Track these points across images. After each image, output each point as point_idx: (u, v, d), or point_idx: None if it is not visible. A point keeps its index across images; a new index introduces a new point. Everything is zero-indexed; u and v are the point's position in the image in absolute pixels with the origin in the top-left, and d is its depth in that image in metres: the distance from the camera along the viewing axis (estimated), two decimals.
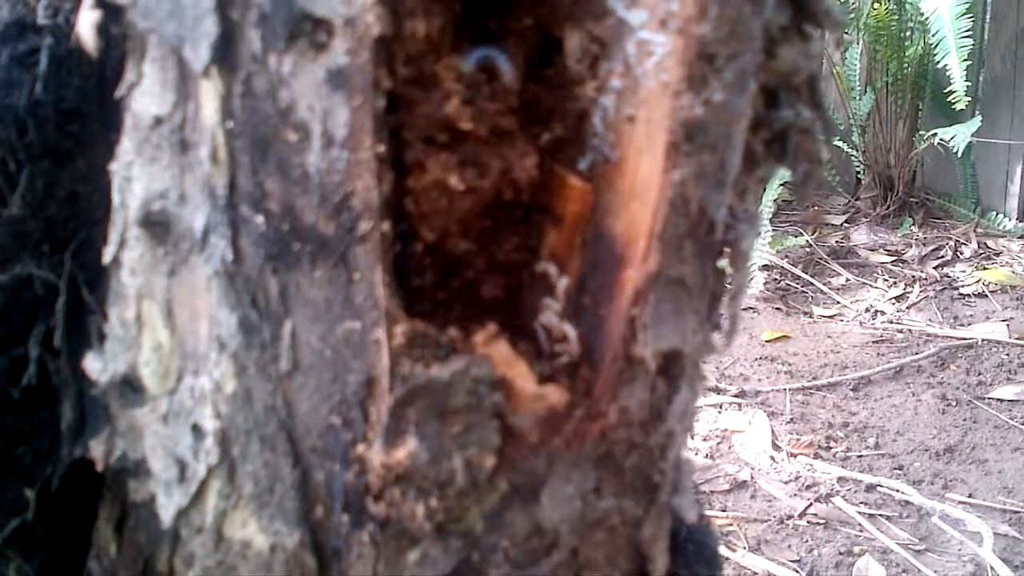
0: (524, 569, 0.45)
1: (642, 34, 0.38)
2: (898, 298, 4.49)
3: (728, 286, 0.44)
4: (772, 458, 3.44)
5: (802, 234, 4.93)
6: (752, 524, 3.11)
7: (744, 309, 4.34)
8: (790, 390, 3.79)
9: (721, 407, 3.65)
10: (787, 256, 4.74)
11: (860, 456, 3.43)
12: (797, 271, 4.64)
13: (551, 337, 0.42)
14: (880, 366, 3.99)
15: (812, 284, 4.61)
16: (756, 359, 4.10)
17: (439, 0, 0.37)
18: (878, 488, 3.27)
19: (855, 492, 3.25)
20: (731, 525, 3.10)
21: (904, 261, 4.81)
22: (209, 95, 0.39)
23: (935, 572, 2.89)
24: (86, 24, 0.42)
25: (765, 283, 4.44)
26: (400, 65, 0.37)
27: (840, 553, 2.99)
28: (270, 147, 0.38)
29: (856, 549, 3.04)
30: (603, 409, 0.42)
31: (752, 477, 3.36)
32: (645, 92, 0.38)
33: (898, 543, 3.03)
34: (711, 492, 3.24)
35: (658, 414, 0.43)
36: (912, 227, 5.00)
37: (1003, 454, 3.44)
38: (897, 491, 3.24)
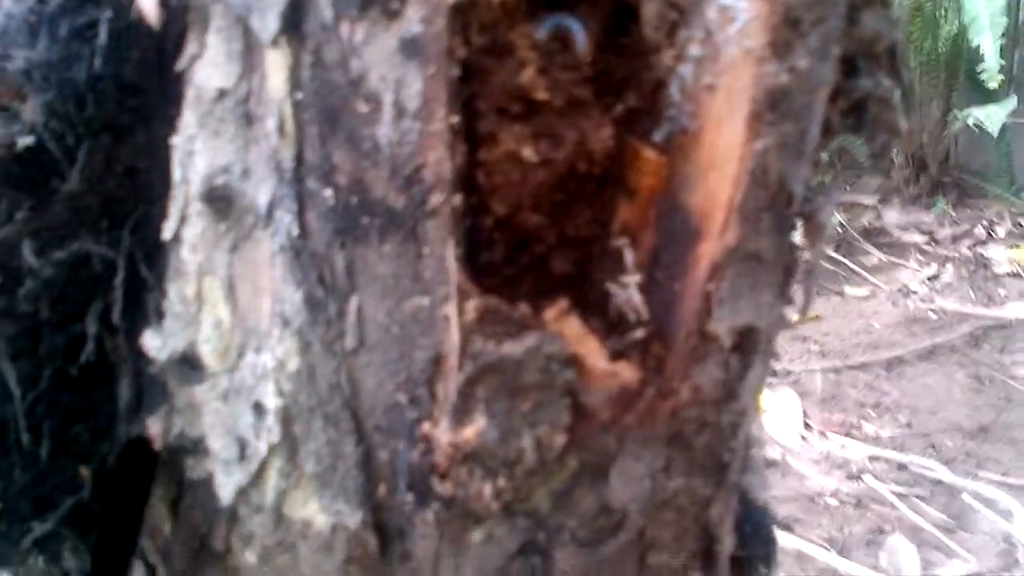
0: (589, 548, 0.44)
1: (723, 0, 0.37)
2: (931, 278, 4.46)
3: (804, 260, 0.43)
4: (803, 437, 3.42)
5: (835, 214, 4.90)
6: (783, 503, 3.10)
7: None
8: (822, 370, 3.78)
9: None
10: None
11: (892, 435, 3.41)
12: (829, 251, 4.61)
13: (623, 313, 0.41)
14: (912, 345, 3.96)
15: (844, 264, 4.59)
16: (788, 339, 4.07)
17: None
18: (909, 467, 3.25)
19: (886, 471, 3.23)
20: None
21: (937, 241, 4.77)
22: (277, 66, 0.38)
23: (966, 550, 2.88)
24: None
25: None
26: (474, 33, 0.36)
27: (871, 531, 2.97)
28: (339, 118, 0.37)
29: (887, 527, 3.02)
30: (675, 387, 0.41)
31: (783, 456, 3.35)
32: (727, 60, 0.37)
33: (929, 522, 3.01)
34: None
35: (731, 392, 0.42)
36: (945, 207, 4.96)
37: None
38: (929, 470, 3.22)
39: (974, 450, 3.32)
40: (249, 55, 0.40)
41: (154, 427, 0.47)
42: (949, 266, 4.55)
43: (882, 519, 3.02)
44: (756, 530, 0.62)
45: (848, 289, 4.42)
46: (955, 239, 4.77)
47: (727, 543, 0.48)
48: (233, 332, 0.44)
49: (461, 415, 0.40)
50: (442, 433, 0.40)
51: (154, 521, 0.51)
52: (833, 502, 3.10)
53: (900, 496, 3.10)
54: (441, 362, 0.40)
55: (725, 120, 0.38)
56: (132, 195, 0.46)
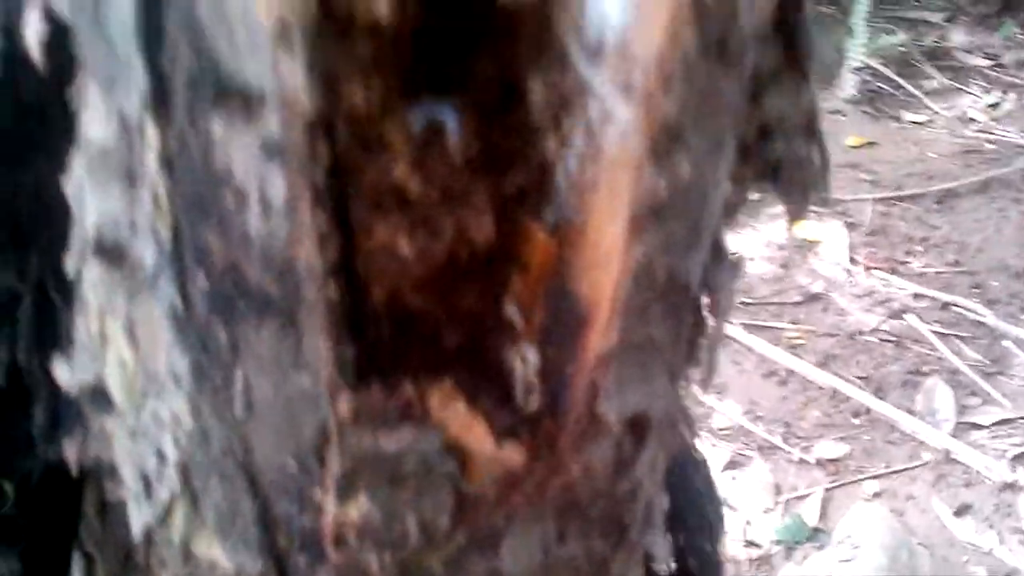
0: None
1: (605, 98, 0.34)
2: (992, 106, 4.34)
3: (709, 332, 0.41)
4: (848, 271, 3.40)
5: (896, 32, 4.74)
6: (822, 339, 3.11)
7: (831, 113, 4.23)
8: (872, 200, 3.72)
9: None
10: (881, 56, 4.57)
11: (938, 272, 3.39)
12: (889, 72, 4.49)
13: (515, 386, 0.40)
14: (967, 178, 3.89)
15: (903, 87, 4.47)
16: (839, 166, 4.00)
17: (382, 63, 0.34)
18: (953, 307, 3.23)
19: (929, 310, 3.22)
20: (801, 338, 3.10)
21: (1002, 66, 4.62)
22: (150, 139, 0.37)
23: (1003, 395, 2.88)
24: (32, 33, 0.40)
25: (854, 85, 4.32)
26: (341, 130, 0.34)
27: (908, 372, 2.98)
28: (209, 206, 0.36)
29: (925, 368, 3.03)
30: (566, 463, 0.40)
31: (826, 290, 3.34)
32: (607, 159, 0.35)
33: (968, 364, 3.01)
34: (782, 304, 3.22)
35: (624, 469, 0.41)
36: (1013, 29, 4.78)
37: None
38: (972, 311, 3.20)
39: (1019, 291, 3.29)
40: (123, 116, 0.38)
41: (70, 450, 0.47)
42: (1012, 94, 4.42)
43: (921, 360, 3.02)
44: (701, 505, 0.62)
45: (905, 114, 4.32)
46: (1020, 64, 4.61)
47: None
48: (136, 374, 0.44)
49: (345, 495, 0.39)
50: (330, 504, 0.40)
51: (88, 521, 0.52)
52: (873, 340, 3.10)
53: (941, 336, 3.09)
54: (328, 435, 0.39)
55: (607, 220, 0.36)
56: (39, 220, 0.45)
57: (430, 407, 0.38)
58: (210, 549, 0.45)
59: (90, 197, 0.41)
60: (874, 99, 4.29)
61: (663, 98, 0.33)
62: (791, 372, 2.88)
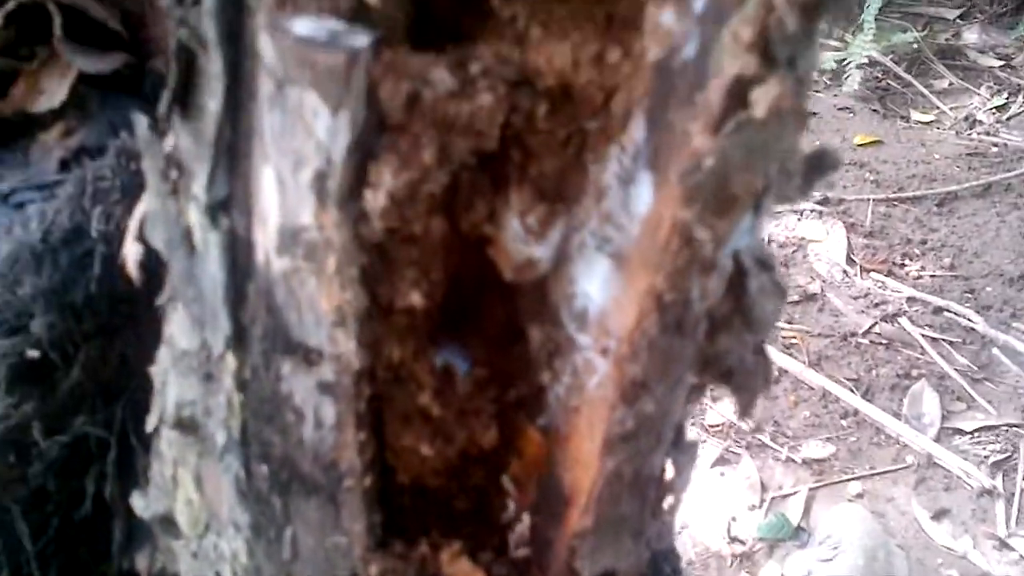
0: None
1: (587, 354, 0.44)
2: (999, 108, 4.38)
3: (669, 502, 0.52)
4: (845, 272, 3.49)
5: (911, 30, 4.78)
6: (815, 339, 3.20)
7: (839, 109, 4.30)
8: (874, 200, 3.79)
9: (802, 214, 3.68)
10: (892, 52, 4.62)
11: (933, 276, 3.46)
12: (899, 70, 4.54)
13: (510, 543, 0.50)
14: (969, 182, 3.95)
15: (913, 85, 4.52)
16: (845, 164, 4.06)
17: (412, 329, 0.44)
18: (945, 312, 3.30)
19: (922, 314, 3.30)
20: (795, 338, 3.19)
21: (1012, 67, 4.66)
22: (227, 364, 0.47)
23: (988, 401, 2.97)
24: (131, 255, 0.50)
25: (865, 81, 4.37)
26: (381, 370, 0.45)
27: (898, 375, 3.06)
28: (273, 418, 0.46)
29: (914, 372, 3.11)
30: None
31: (822, 290, 3.42)
32: (588, 395, 0.45)
33: (956, 369, 3.10)
34: None
35: None
36: None
37: None
38: (964, 317, 3.28)
39: (1012, 298, 3.36)
40: (207, 342, 0.48)
41: (141, 562, 0.58)
42: (1020, 96, 4.46)
43: (911, 363, 3.11)
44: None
45: (914, 113, 4.37)
46: None
47: None
48: (201, 511, 0.54)
49: None
50: None
51: None
52: (865, 342, 3.18)
53: (932, 341, 3.18)
54: None
55: (586, 437, 0.46)
56: (124, 378, 0.55)
57: (441, 562, 0.49)
58: None
59: (172, 382, 0.51)
60: (884, 96, 4.35)
61: (631, 363, 0.43)
62: (784, 371, 2.98)
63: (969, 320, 3.25)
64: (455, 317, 0.46)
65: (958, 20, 4.97)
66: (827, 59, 4.48)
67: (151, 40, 0.59)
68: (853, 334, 3.22)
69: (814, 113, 4.28)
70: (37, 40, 0.60)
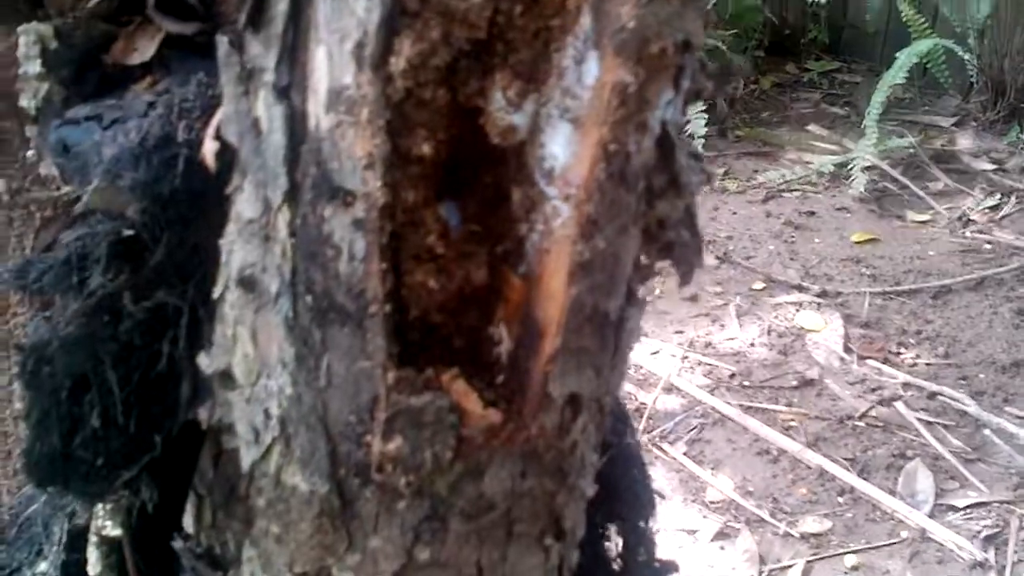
0: (473, 519, 0.68)
1: (555, 203, 0.60)
2: (992, 208, 4.55)
3: (621, 347, 0.66)
4: (842, 359, 3.62)
5: (907, 135, 4.97)
6: (813, 421, 3.32)
7: (838, 209, 4.48)
8: (870, 293, 3.94)
9: (800, 305, 3.82)
10: (889, 157, 4.80)
11: (928, 364, 3.58)
12: (896, 173, 4.73)
13: (497, 374, 0.65)
14: (963, 276, 4.09)
15: (909, 188, 4.69)
16: (842, 260, 4.22)
17: (424, 178, 0.59)
18: (940, 396, 3.43)
19: (917, 398, 3.42)
20: (793, 420, 3.31)
21: (1005, 171, 4.83)
22: (282, 217, 0.62)
23: (980, 481, 3.08)
24: (209, 149, 0.65)
25: (864, 184, 4.56)
26: (399, 214, 0.60)
27: (893, 455, 3.18)
28: (316, 255, 0.61)
29: (909, 453, 3.22)
30: (528, 424, 0.65)
31: (820, 376, 3.55)
32: (555, 236, 0.60)
33: (950, 451, 3.21)
34: (779, 388, 3.44)
35: (566, 430, 0.66)
36: (1020, 135, 5.01)
37: None
38: (958, 401, 3.39)
39: (1004, 384, 3.48)
40: (267, 202, 0.64)
41: (203, 414, 0.72)
42: (1012, 197, 4.63)
43: (906, 444, 3.22)
44: (635, 491, 0.86)
45: (909, 214, 4.54)
46: (1023, 170, 4.83)
47: (569, 521, 0.72)
48: (254, 362, 0.69)
49: (387, 436, 0.64)
50: (376, 444, 0.65)
51: (202, 467, 0.77)
52: (861, 424, 3.30)
53: (926, 424, 3.29)
54: (376, 401, 0.64)
55: (554, 273, 0.61)
56: (196, 261, 0.70)
57: (442, 382, 0.63)
58: (294, 477, 0.69)
59: (237, 249, 0.67)
60: (880, 198, 4.53)
61: (587, 204, 0.58)
62: (783, 451, 3.10)
63: (963, 404, 3.36)
64: (453, 183, 0.62)
65: (953, 127, 5.17)
66: (826, 163, 4.68)
67: (220, 14, 0.76)
68: (850, 417, 3.34)
69: (812, 213, 4.47)
70: (133, 10, 0.76)
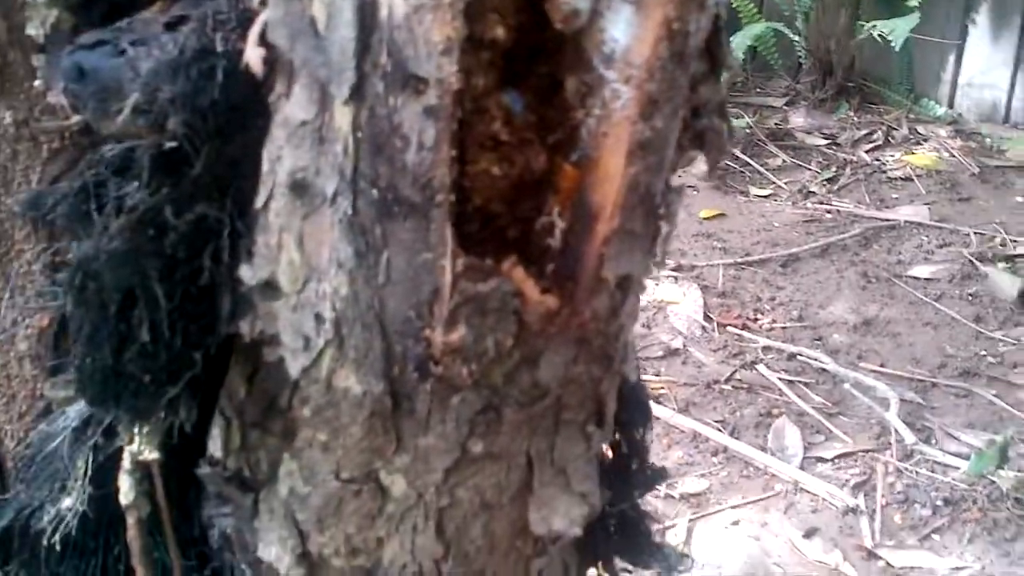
0: (526, 408, 0.71)
1: (614, 85, 0.63)
2: (830, 180, 4.75)
3: (664, 231, 0.69)
4: (703, 328, 3.73)
5: (744, 116, 5.14)
6: (682, 388, 3.42)
7: (686, 187, 4.61)
8: (723, 265, 4.07)
9: (659, 280, 3.92)
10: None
11: (784, 327, 3.72)
12: (736, 152, 4.89)
13: (550, 262, 0.68)
14: (808, 244, 4.26)
15: (750, 165, 4.86)
16: (693, 235, 4.35)
17: (492, 65, 0.62)
18: (798, 357, 3.57)
19: (777, 360, 3.55)
20: (663, 388, 3.40)
21: (838, 144, 5.04)
22: (345, 114, 0.64)
23: (844, 433, 3.21)
24: (254, 56, 0.66)
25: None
26: (467, 101, 0.62)
27: (760, 415, 3.30)
28: (383, 148, 0.63)
29: (775, 411, 3.35)
30: (581, 309, 0.68)
31: (684, 345, 3.66)
32: (614, 119, 0.63)
33: (813, 407, 3.35)
34: (646, 358, 3.53)
35: (615, 313, 0.69)
36: (848, 111, 5.22)
37: (915, 328, 3.74)
38: (815, 360, 3.54)
39: (857, 342, 3.64)
40: (323, 101, 0.65)
41: (244, 327, 0.73)
42: (847, 169, 4.84)
43: (771, 404, 3.35)
44: (636, 401, 0.89)
45: (752, 189, 4.71)
46: (855, 143, 5.04)
47: (611, 406, 0.75)
48: (301, 268, 0.70)
49: (451, 325, 0.66)
50: (438, 337, 0.67)
51: (231, 388, 0.77)
52: (728, 388, 3.42)
53: (788, 383, 3.43)
54: (438, 293, 0.66)
55: (613, 154, 0.64)
56: (232, 175, 0.71)
57: (502, 269, 0.65)
58: (347, 380, 0.71)
59: (287, 154, 0.68)
60: (724, 176, 4.69)
61: (648, 83, 0.62)
62: (656, 418, 3.18)
63: (820, 362, 3.51)
64: (509, 74, 0.64)
65: (785, 107, 5.37)
66: None
67: None
68: (716, 381, 3.45)
69: None
70: None
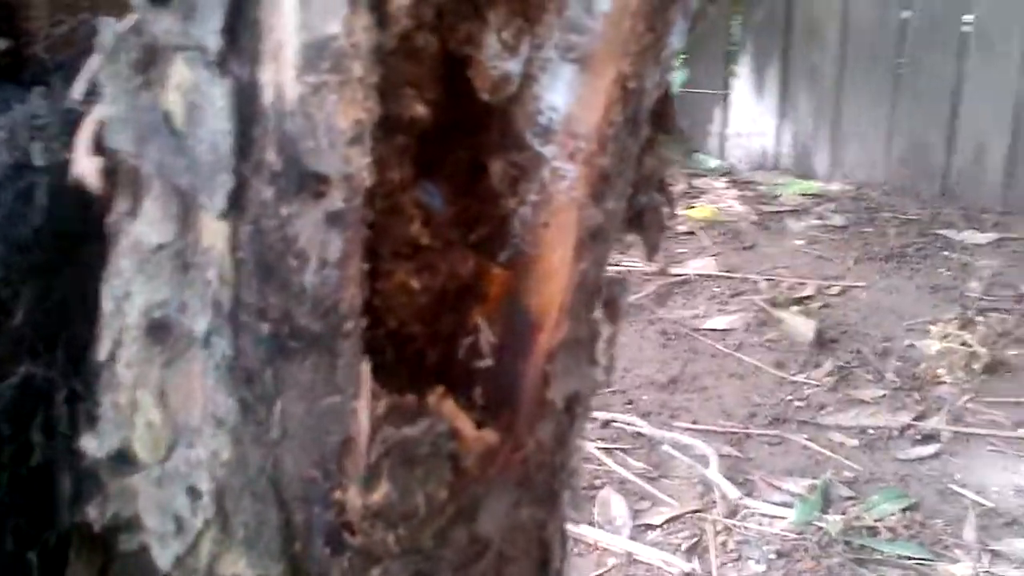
0: (461, 570, 0.57)
1: (555, 164, 0.50)
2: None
3: (605, 333, 0.57)
4: None
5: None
6: None
7: None
8: None
9: None
10: None
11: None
12: None
13: (479, 390, 0.54)
14: None
15: None
16: None
17: (407, 152, 0.48)
18: (613, 424, 3.51)
19: (593, 429, 3.47)
20: None
21: None
22: (219, 231, 0.49)
23: (669, 496, 3.16)
24: (89, 168, 0.51)
25: None
26: (378, 201, 0.49)
27: (584, 488, 3.21)
28: (273, 270, 0.49)
29: (596, 482, 3.27)
30: (524, 441, 0.55)
31: None
32: (557, 205, 0.51)
33: (634, 473, 3.29)
34: None
35: (562, 442, 0.57)
36: None
37: (720, 380, 3.74)
38: (630, 424, 3.48)
39: (667, 401, 3.60)
40: (186, 217, 0.51)
41: (92, 513, 0.57)
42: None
43: (593, 475, 3.26)
44: None
45: None
46: None
47: (558, 551, 0.62)
48: (164, 430, 0.55)
49: (370, 483, 0.52)
50: (353, 498, 0.53)
51: None
52: None
53: (606, 451, 3.36)
54: (349, 443, 0.52)
55: (557, 246, 0.52)
56: (63, 321, 0.56)
57: (428, 405, 0.52)
58: (235, 567, 0.56)
59: (138, 288, 0.53)
60: None
61: (598, 158, 0.50)
62: None
63: (635, 426, 3.46)
64: (425, 163, 0.51)
65: None
66: None
67: (28, 31, 0.62)
68: None
69: None
70: None
